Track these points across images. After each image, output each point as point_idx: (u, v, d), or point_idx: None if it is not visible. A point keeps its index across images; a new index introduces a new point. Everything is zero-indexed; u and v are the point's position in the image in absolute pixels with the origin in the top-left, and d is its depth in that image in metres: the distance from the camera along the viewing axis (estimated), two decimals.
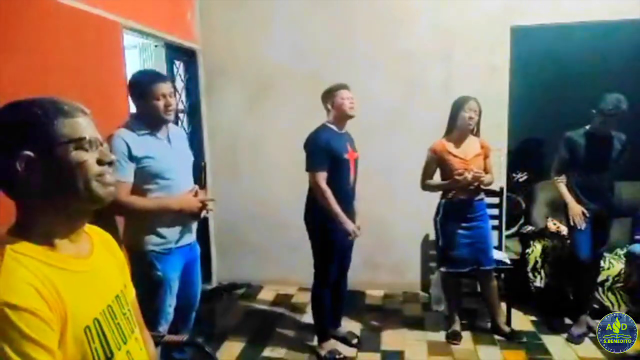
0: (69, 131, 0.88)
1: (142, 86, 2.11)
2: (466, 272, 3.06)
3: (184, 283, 2.26)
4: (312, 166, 2.71)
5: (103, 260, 1.01)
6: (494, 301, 3.12)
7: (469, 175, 2.80)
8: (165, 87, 2.12)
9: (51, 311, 0.80)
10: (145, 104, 2.09)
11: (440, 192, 3.03)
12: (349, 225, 2.69)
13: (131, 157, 2.00)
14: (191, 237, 2.27)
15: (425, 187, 3.03)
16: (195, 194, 2.21)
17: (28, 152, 0.84)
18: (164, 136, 2.18)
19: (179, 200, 2.12)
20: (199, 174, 2.40)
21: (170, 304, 2.17)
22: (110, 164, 0.94)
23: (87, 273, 0.93)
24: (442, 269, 3.10)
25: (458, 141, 2.95)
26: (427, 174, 3.01)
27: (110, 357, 0.91)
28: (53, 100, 0.90)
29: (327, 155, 2.68)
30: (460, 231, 2.96)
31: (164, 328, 2.17)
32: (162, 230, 2.12)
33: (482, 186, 2.96)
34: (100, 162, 0.92)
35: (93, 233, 1.04)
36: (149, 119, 2.11)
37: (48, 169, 0.86)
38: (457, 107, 2.91)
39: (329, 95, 2.78)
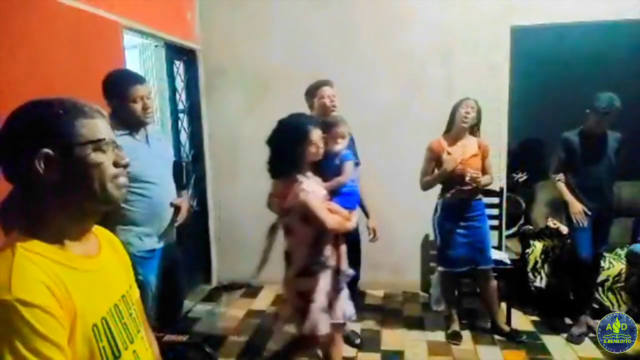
0: (88, 132, 0.90)
1: (118, 87, 2.04)
2: (464, 272, 3.06)
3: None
4: None
5: (110, 260, 1.02)
6: (492, 301, 3.11)
7: (467, 177, 2.82)
8: (142, 90, 2.06)
9: (62, 308, 0.81)
10: (122, 106, 2.02)
11: (438, 192, 3.03)
12: None
13: None
14: (167, 240, 2.25)
15: (422, 184, 3.04)
16: (176, 209, 2.21)
17: (48, 151, 0.85)
18: (143, 137, 2.12)
19: None
20: (180, 174, 2.38)
21: (150, 307, 2.14)
22: (125, 166, 0.96)
23: (95, 272, 0.94)
24: (440, 269, 3.12)
25: (455, 140, 2.96)
26: (424, 172, 3.02)
27: (118, 356, 0.92)
28: (73, 100, 0.92)
29: None
30: (458, 230, 2.96)
31: None
32: (141, 233, 2.10)
33: (480, 187, 2.94)
34: (116, 165, 0.94)
35: (99, 233, 1.05)
36: (126, 121, 2.05)
37: (66, 169, 0.87)
38: (456, 106, 2.95)
39: (310, 94, 2.73)
